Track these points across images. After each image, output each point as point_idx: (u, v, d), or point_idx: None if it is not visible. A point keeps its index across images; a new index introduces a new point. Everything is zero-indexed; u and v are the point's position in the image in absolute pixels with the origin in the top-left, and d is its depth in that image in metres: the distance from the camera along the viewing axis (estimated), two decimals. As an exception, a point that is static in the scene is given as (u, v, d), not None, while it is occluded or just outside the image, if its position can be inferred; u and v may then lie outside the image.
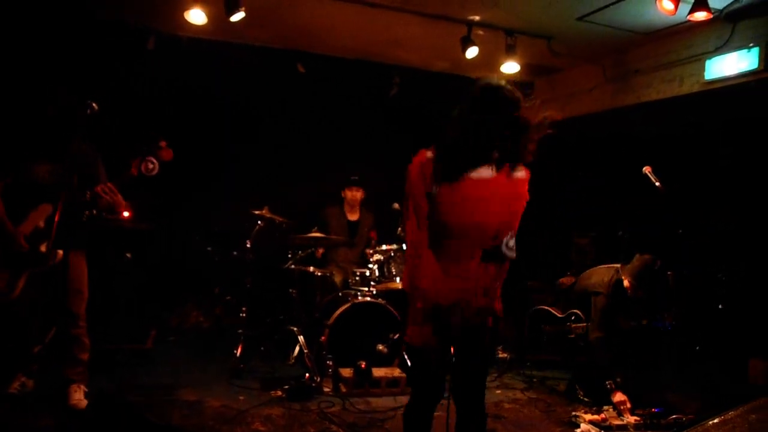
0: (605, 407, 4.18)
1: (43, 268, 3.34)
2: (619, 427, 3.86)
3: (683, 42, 5.26)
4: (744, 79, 4.78)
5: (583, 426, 3.95)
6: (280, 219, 5.33)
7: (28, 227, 3.33)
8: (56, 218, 3.24)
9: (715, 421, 3.19)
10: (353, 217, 5.97)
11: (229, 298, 6.18)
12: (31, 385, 3.64)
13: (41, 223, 3.35)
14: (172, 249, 6.11)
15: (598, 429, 3.85)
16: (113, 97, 5.52)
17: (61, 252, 3.33)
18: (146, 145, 3.48)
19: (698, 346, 5.16)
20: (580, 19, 5.07)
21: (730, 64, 4.82)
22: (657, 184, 4.43)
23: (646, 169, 4.51)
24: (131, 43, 5.95)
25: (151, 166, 3.40)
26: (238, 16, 4.82)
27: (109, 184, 3.37)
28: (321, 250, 5.82)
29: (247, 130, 6.41)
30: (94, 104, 3.22)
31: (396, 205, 5.47)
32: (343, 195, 5.94)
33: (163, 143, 3.46)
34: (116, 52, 5.85)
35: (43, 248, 3.34)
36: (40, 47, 5.31)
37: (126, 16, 5.82)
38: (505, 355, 5.57)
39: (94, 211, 3.58)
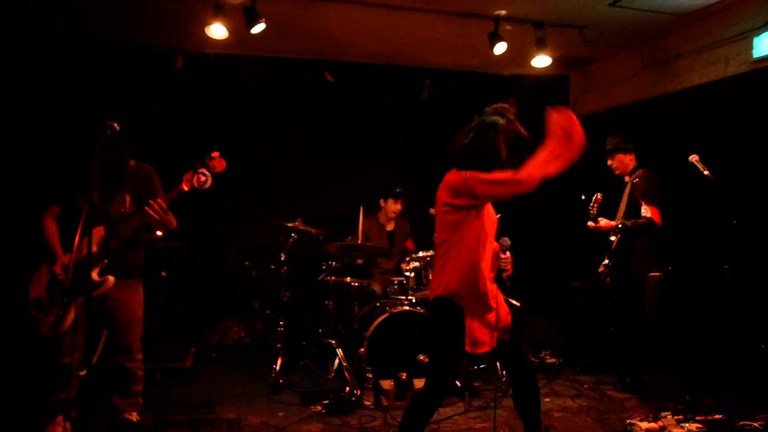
0: (663, 413, 3.94)
1: (94, 295, 3.16)
2: (679, 434, 3.61)
3: (726, 20, 4.94)
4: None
5: (639, 434, 3.72)
6: (315, 230, 5.26)
7: (75, 254, 3.19)
8: (111, 244, 3.22)
9: (786, 427, 2.94)
10: (390, 226, 5.88)
11: (268, 312, 6.14)
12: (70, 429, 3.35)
13: (94, 248, 3.15)
14: (209, 265, 6.11)
15: (656, 437, 3.60)
16: (148, 119, 5.64)
17: (112, 278, 3.22)
18: (198, 158, 3.35)
19: (763, 344, 4.83)
20: (612, 4, 4.82)
21: (781, 39, 4.49)
22: (705, 172, 4.17)
23: (693, 158, 4.26)
24: (159, 64, 6.02)
25: (203, 178, 3.25)
26: (258, 28, 4.78)
27: (159, 202, 3.19)
28: (360, 260, 5.73)
29: (279, 142, 6.38)
30: (114, 124, 3.18)
31: (432, 210, 5.34)
32: (382, 205, 5.84)
33: (215, 153, 3.30)
34: (145, 75, 5.92)
35: (95, 275, 3.20)
36: (65, 76, 5.40)
37: (152, 38, 5.89)
38: (554, 360, 5.34)
39: (144, 234, 3.51)
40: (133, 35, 5.76)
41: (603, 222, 4.55)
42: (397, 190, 5.77)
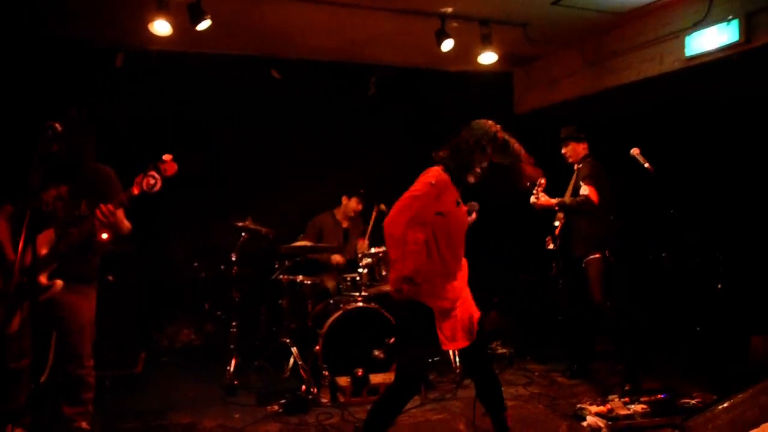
0: (610, 397, 4.10)
1: (40, 299, 3.04)
2: (626, 416, 3.76)
3: (661, 19, 5.18)
4: (725, 53, 4.69)
5: (589, 418, 3.86)
6: (265, 229, 5.21)
7: (28, 256, 3.08)
8: (60, 247, 3.11)
9: (725, 405, 3.11)
10: (345, 224, 5.90)
11: (219, 313, 6.04)
12: None
13: (43, 251, 3.08)
14: (156, 268, 5.94)
15: (604, 420, 3.75)
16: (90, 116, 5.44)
17: (60, 282, 3.10)
18: (139, 159, 3.26)
19: (698, 327, 5.09)
20: (555, 3, 4.97)
21: (710, 38, 4.72)
22: (646, 165, 4.35)
23: (634, 151, 4.43)
24: (98, 61, 5.82)
25: (152, 181, 3.14)
26: (204, 25, 4.69)
27: (109, 206, 3.10)
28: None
29: (225, 140, 6.27)
30: (56, 125, 3.06)
31: (383, 206, 5.39)
32: (344, 202, 5.82)
33: (167, 157, 3.21)
34: (84, 73, 5.71)
35: (43, 279, 3.08)
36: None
37: (91, 35, 5.70)
38: (505, 350, 5.47)
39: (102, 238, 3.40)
40: (75, 32, 5.56)
41: (543, 198, 4.65)
42: (361, 191, 5.79)
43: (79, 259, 3.23)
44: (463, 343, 3.05)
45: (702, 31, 4.79)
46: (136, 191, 3.14)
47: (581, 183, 4.66)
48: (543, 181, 4.64)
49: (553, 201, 4.62)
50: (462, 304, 3.08)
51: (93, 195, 3.20)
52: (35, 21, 5.21)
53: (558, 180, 4.93)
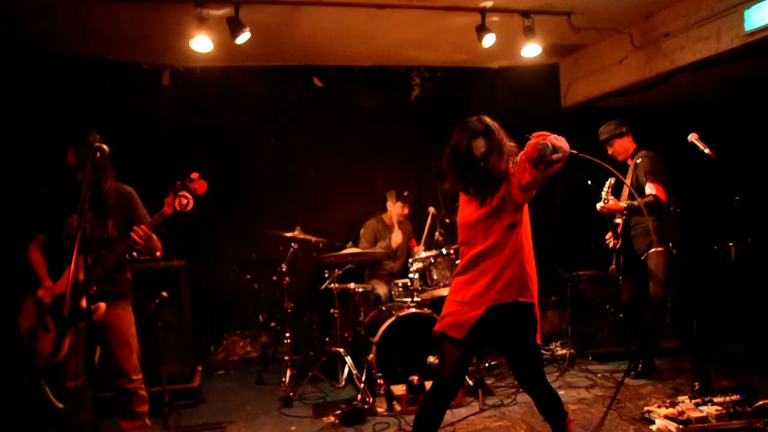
0: (680, 398, 3.87)
1: (85, 323, 3.10)
2: (699, 419, 3.53)
3: (715, -6, 4.89)
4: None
5: (658, 422, 3.65)
6: (315, 238, 5.20)
7: (63, 281, 3.19)
8: (98, 269, 3.17)
9: (809, 405, 2.88)
10: (395, 227, 5.82)
11: (273, 324, 6.07)
12: None
13: (81, 277, 3.09)
14: (211, 282, 6.05)
15: (675, 424, 3.53)
16: (137, 137, 5.59)
17: (103, 305, 3.16)
18: (179, 180, 3.31)
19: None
20: (599, -13, 4.77)
21: (772, 10, 4.41)
22: (706, 150, 4.09)
23: (693, 137, 4.18)
24: (146, 81, 5.98)
25: (185, 201, 3.17)
26: (243, 38, 4.71)
27: (143, 227, 3.16)
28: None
29: (271, 151, 6.33)
30: (104, 146, 3.10)
31: (432, 209, 5.29)
32: (388, 206, 5.76)
33: (195, 175, 3.24)
34: (133, 93, 5.87)
35: (83, 303, 3.10)
36: (52, 98, 5.33)
37: (138, 56, 5.85)
38: (564, 351, 5.28)
39: (127, 256, 3.47)
40: (120, 54, 5.71)
41: (612, 201, 4.44)
42: (405, 194, 5.71)
43: (113, 278, 3.28)
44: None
45: (763, 2, 4.47)
46: (169, 211, 3.16)
47: (646, 181, 4.43)
48: (612, 180, 4.42)
49: (622, 205, 4.39)
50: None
51: (117, 216, 3.23)
52: (77, 44, 5.36)
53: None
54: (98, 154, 3.04)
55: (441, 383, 2.92)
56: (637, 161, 4.57)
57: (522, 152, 2.67)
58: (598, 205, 4.49)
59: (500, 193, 2.79)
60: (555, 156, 2.53)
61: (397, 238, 5.64)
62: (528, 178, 2.64)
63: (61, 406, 3.44)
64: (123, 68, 5.85)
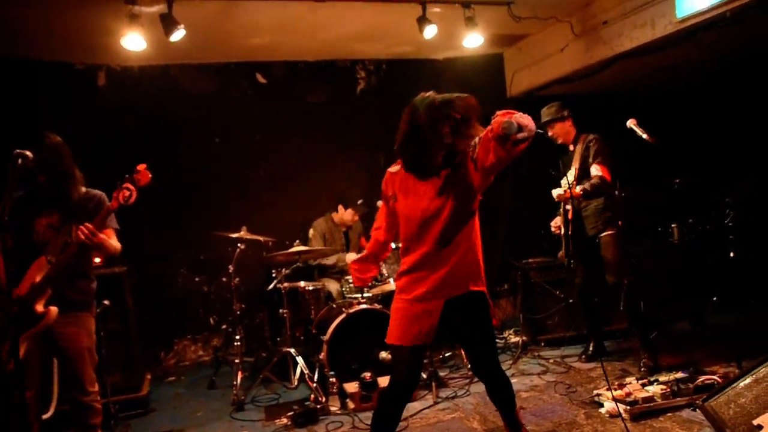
0: (627, 379, 3.94)
1: (38, 329, 3.02)
2: (645, 399, 3.60)
3: (649, -19, 4.98)
4: (718, 11, 4.47)
5: (607, 405, 3.71)
6: (263, 238, 5.10)
7: (24, 286, 3.06)
8: (51, 273, 3.05)
9: (747, 381, 2.95)
10: (344, 227, 5.75)
11: (224, 326, 5.96)
12: None
13: (37, 279, 3.04)
14: (158, 286, 5.88)
15: (624, 405, 3.59)
16: (75, 140, 5.36)
17: (54, 309, 3.04)
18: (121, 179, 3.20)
19: (714, 297, 4.93)
20: (536, -23, 4.81)
21: (702, -4, 4.52)
22: (644, 135, 4.16)
23: (631, 122, 4.25)
24: (81, 82, 5.76)
25: (127, 193, 3.07)
26: (178, 35, 4.57)
27: (89, 226, 3.02)
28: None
29: (216, 151, 6.19)
30: (27, 153, 2.97)
31: (380, 203, 5.24)
32: (339, 210, 5.62)
33: (140, 167, 3.14)
34: (68, 94, 5.65)
35: (39, 307, 3.03)
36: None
37: (72, 57, 5.63)
38: (517, 339, 5.33)
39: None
40: (53, 55, 5.48)
41: (577, 189, 4.43)
42: (358, 202, 5.63)
43: (72, 285, 3.17)
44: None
45: (693, -11, 4.58)
46: (114, 205, 3.08)
47: (593, 163, 4.46)
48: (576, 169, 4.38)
49: (578, 191, 4.39)
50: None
51: (84, 220, 3.09)
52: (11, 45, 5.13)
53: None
54: (20, 160, 2.93)
55: (398, 385, 2.82)
56: (589, 143, 4.59)
57: (485, 130, 2.47)
58: (557, 192, 4.46)
59: (458, 178, 2.66)
60: (521, 135, 2.35)
61: (351, 256, 5.53)
62: (492, 159, 2.43)
63: None
64: (56, 69, 5.61)
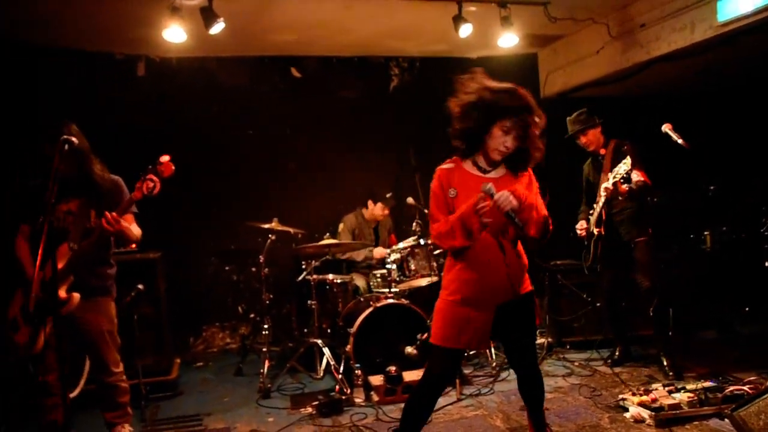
0: (654, 385, 3.92)
1: (61, 314, 3.06)
2: (671, 406, 3.58)
3: (690, -16, 4.92)
4: (761, 16, 4.39)
5: (632, 410, 3.69)
6: (293, 230, 5.18)
7: (48, 272, 3.05)
8: (74, 260, 3.12)
9: (777, 392, 2.93)
10: (374, 222, 5.80)
11: (252, 315, 6.06)
12: None
13: (60, 266, 3.06)
14: (189, 274, 6.01)
15: (649, 411, 3.57)
16: (113, 128, 5.51)
17: (77, 295, 3.12)
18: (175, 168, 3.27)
19: (747, 307, 4.86)
20: (576, -23, 4.78)
21: (745, 1, 4.44)
22: (680, 141, 4.12)
23: (667, 127, 4.20)
24: (121, 71, 5.90)
25: (151, 184, 3.11)
26: (217, 28, 4.66)
27: (112, 214, 3.09)
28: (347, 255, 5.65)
29: (249, 142, 6.28)
30: (73, 139, 3.07)
31: (410, 200, 5.29)
32: (369, 206, 5.70)
33: (163, 158, 3.18)
34: (108, 83, 5.79)
35: (62, 293, 3.09)
36: (26, 89, 5.24)
37: (112, 46, 5.76)
38: (543, 340, 5.32)
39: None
40: (94, 45, 5.62)
41: (624, 186, 4.28)
42: (387, 196, 5.68)
43: (93, 271, 3.25)
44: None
45: (735, -7, 4.51)
46: (138, 195, 3.13)
47: (632, 169, 4.39)
48: (626, 168, 4.29)
49: (624, 188, 4.32)
50: None
51: (103, 206, 3.17)
52: (49, 34, 5.27)
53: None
54: (66, 146, 3.02)
55: (437, 380, 2.83)
56: (621, 150, 4.56)
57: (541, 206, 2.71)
58: (605, 185, 4.35)
59: (519, 181, 2.75)
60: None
61: (380, 251, 5.59)
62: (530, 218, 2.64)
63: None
64: (97, 58, 5.76)
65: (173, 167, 3.17)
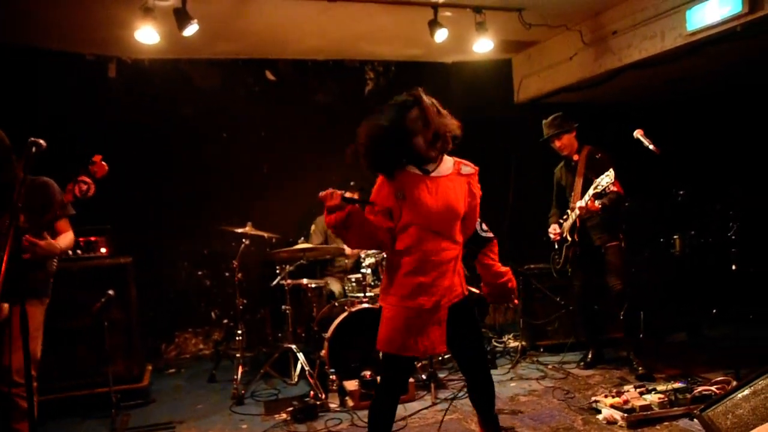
0: (625, 387, 3.97)
1: None
2: (642, 407, 3.63)
3: (660, -6, 5.02)
4: (728, 25, 4.51)
5: (604, 411, 3.74)
6: (267, 234, 5.13)
7: None
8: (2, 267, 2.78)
9: (745, 392, 2.98)
10: None
11: (226, 321, 5.99)
12: None
13: None
14: (161, 279, 5.92)
15: (621, 413, 3.62)
16: (82, 129, 5.41)
17: (6, 306, 2.90)
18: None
19: (714, 309, 4.97)
20: (548, -15, 4.84)
21: (712, 11, 4.54)
22: (651, 146, 4.20)
23: (638, 133, 4.29)
24: (91, 73, 5.80)
25: (84, 186, 2.92)
26: (191, 30, 4.61)
27: (26, 237, 2.86)
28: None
29: (223, 145, 6.22)
30: (41, 141, 2.96)
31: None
32: None
33: (96, 158, 2.99)
34: (78, 84, 5.69)
35: None
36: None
37: (83, 47, 5.66)
38: (516, 343, 5.36)
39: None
40: (64, 45, 5.51)
41: (597, 203, 4.34)
42: (351, 183, 5.64)
43: (27, 275, 2.99)
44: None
45: (703, 4, 4.61)
46: (69, 198, 2.95)
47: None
48: (609, 181, 4.22)
49: (598, 205, 4.33)
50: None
51: (30, 208, 2.91)
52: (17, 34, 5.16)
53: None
54: (34, 149, 2.90)
55: (395, 386, 2.77)
56: (597, 156, 4.63)
57: None
58: (580, 204, 4.42)
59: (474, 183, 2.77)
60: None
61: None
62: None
63: None
64: (67, 59, 5.64)
65: (107, 167, 3.00)
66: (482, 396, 2.87)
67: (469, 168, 2.80)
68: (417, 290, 2.62)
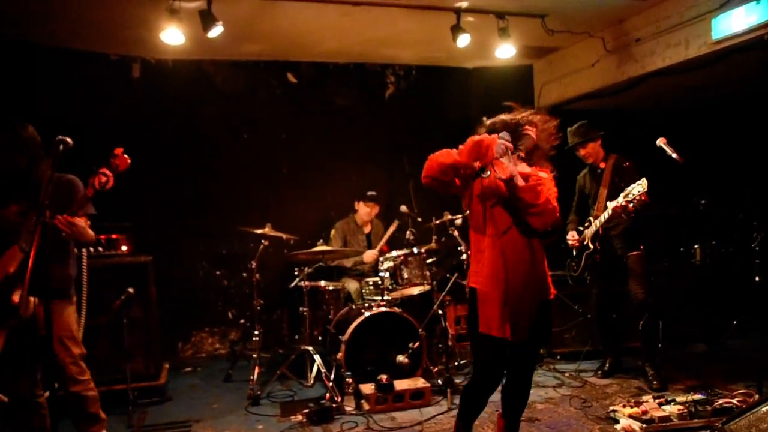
0: (644, 398, 3.94)
1: (17, 320, 2.93)
2: (661, 419, 3.59)
3: (685, 2, 4.97)
4: (755, 34, 4.46)
5: (623, 422, 3.70)
6: (285, 236, 5.16)
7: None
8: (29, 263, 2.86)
9: (768, 407, 2.94)
10: (367, 228, 5.82)
11: (243, 321, 6.02)
12: None
13: (11, 269, 2.94)
14: (179, 278, 5.96)
15: (639, 423, 3.59)
16: (106, 129, 5.46)
17: (31, 299, 2.96)
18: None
19: (735, 320, 4.90)
20: (573, -9, 4.82)
21: (738, 19, 4.50)
22: (674, 155, 4.15)
23: (661, 141, 4.23)
24: (116, 72, 5.87)
25: (104, 179, 2.95)
26: (216, 31, 4.65)
27: (64, 215, 2.96)
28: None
29: (244, 146, 6.26)
30: (68, 140, 3.00)
31: (404, 208, 5.28)
32: (356, 208, 5.75)
33: (118, 150, 3.01)
34: (102, 84, 5.76)
35: (15, 298, 2.93)
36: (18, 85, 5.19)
37: (107, 47, 5.73)
38: (534, 351, 5.32)
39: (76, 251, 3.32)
40: (89, 45, 5.58)
41: (630, 205, 4.23)
42: (369, 194, 5.68)
43: (52, 273, 3.02)
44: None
45: (729, 12, 4.57)
46: (90, 192, 2.99)
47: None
48: (641, 191, 4.16)
49: (631, 207, 4.22)
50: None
51: (56, 206, 2.98)
52: (42, 33, 5.23)
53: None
54: (61, 147, 2.94)
55: (493, 378, 2.94)
56: (625, 164, 4.61)
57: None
58: (612, 204, 4.32)
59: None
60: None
61: (370, 255, 5.58)
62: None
63: (5, 399, 3.22)
64: (91, 59, 5.72)
65: (129, 160, 3.03)
66: (517, 397, 3.03)
67: None
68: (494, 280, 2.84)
